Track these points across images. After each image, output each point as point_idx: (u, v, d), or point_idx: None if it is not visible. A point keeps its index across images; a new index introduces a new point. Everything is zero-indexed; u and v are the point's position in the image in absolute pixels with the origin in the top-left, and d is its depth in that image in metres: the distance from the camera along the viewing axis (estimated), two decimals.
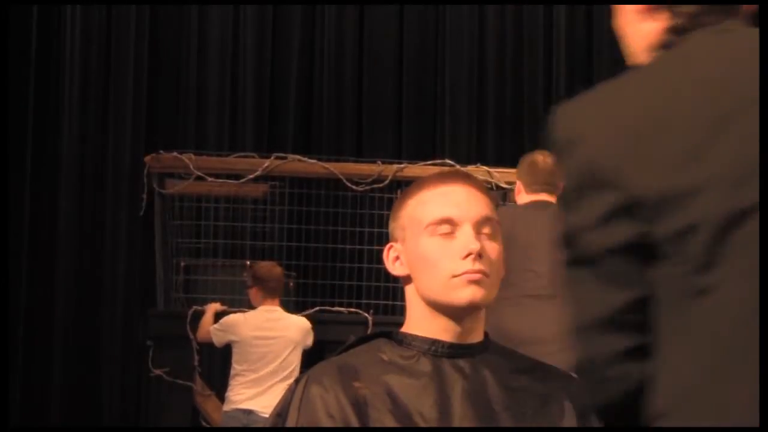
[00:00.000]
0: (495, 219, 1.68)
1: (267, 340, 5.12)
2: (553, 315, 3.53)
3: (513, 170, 6.01)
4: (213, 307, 5.43)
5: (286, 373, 5.09)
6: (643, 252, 1.19)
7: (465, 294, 1.62)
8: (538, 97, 7.55)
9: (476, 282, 1.62)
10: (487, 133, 7.51)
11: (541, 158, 4.36)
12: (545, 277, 3.60)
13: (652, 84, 1.26)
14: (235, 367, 5.14)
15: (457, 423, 1.58)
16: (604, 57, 7.55)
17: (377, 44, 7.48)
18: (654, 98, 1.24)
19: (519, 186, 3.95)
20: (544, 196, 3.82)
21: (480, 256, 1.62)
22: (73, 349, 6.71)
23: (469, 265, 1.62)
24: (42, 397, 6.61)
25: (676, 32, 1.34)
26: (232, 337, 5.16)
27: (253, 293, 5.26)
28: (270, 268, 5.31)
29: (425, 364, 1.64)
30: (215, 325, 5.27)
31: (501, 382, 1.64)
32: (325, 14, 7.41)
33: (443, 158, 6.22)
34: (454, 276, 1.62)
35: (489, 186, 5.45)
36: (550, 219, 3.63)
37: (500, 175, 5.80)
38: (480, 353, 1.67)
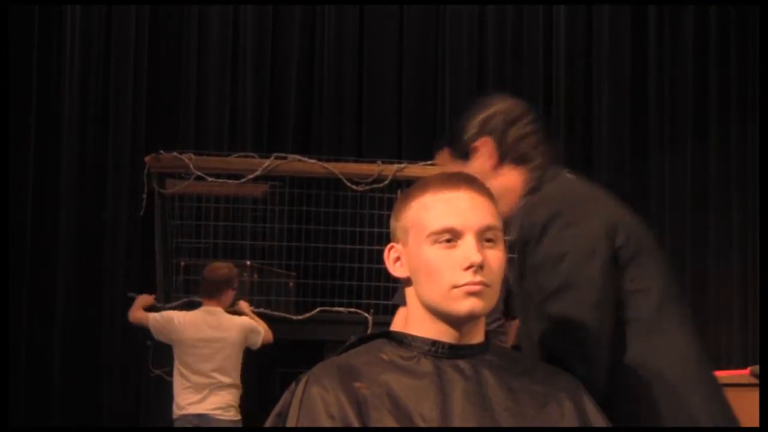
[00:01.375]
0: (498, 226, 1.68)
1: (205, 341, 4.99)
2: None
3: None
4: (144, 299, 5.26)
5: (228, 377, 5.00)
6: None
7: (465, 305, 1.63)
8: (538, 98, 7.54)
9: (476, 294, 1.63)
10: None
11: None
12: None
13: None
14: (178, 369, 5.02)
15: (457, 423, 1.58)
16: (604, 57, 7.54)
17: (377, 44, 7.47)
18: None
19: None
20: None
21: (481, 267, 1.62)
22: (73, 349, 6.70)
23: (470, 277, 1.62)
24: (42, 397, 6.60)
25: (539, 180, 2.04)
26: (172, 336, 5.03)
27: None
28: (214, 268, 5.18)
29: (426, 365, 1.64)
30: (156, 314, 5.12)
31: (501, 382, 1.64)
32: (325, 14, 7.40)
33: None
34: (455, 287, 1.63)
35: None
36: None
37: None
38: (480, 354, 1.67)
